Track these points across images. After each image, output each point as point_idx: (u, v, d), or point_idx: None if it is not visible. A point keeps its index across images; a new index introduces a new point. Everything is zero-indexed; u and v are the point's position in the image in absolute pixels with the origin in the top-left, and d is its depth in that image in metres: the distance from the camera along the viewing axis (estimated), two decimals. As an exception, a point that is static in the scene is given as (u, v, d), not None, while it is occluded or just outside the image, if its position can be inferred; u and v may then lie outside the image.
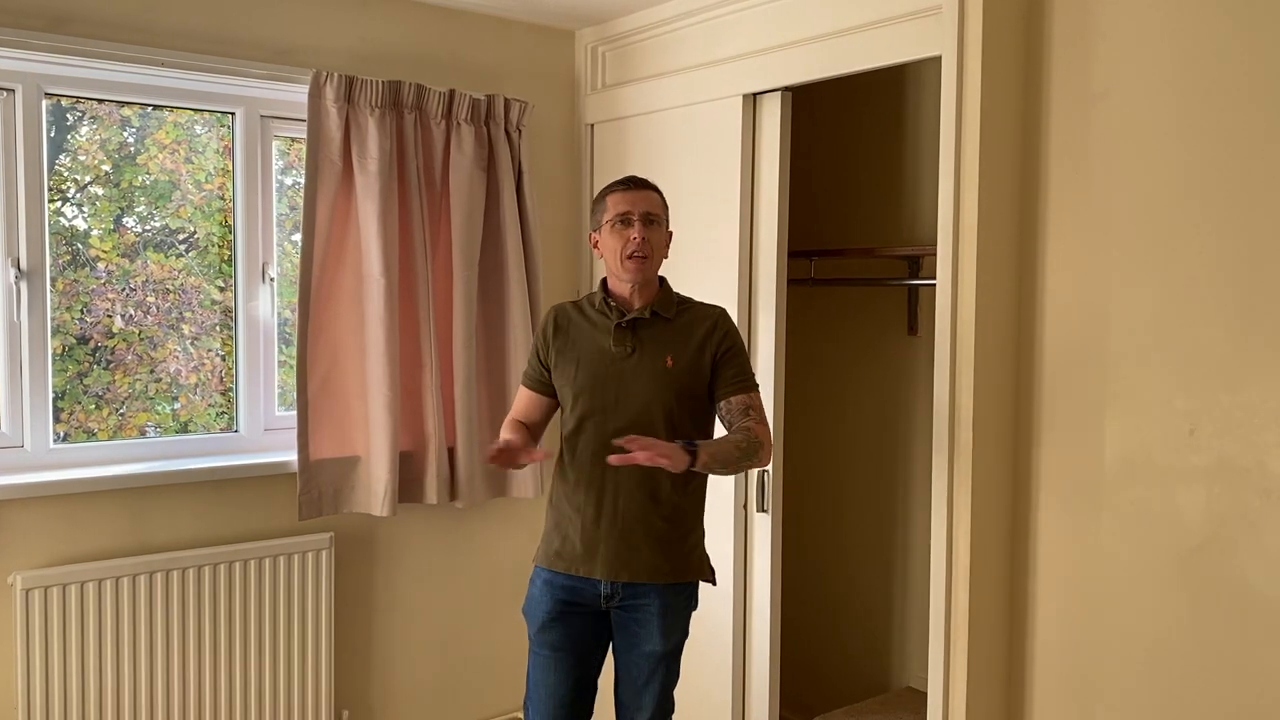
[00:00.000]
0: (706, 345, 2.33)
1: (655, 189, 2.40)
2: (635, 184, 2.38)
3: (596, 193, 2.42)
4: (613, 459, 2.09)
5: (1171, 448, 2.23)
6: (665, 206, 2.40)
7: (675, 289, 2.44)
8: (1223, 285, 2.15)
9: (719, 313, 2.40)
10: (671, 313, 2.36)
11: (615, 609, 2.36)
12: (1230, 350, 2.14)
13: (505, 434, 2.39)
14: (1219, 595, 2.17)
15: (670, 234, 2.42)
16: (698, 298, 2.44)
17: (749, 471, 2.98)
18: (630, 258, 2.31)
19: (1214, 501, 2.17)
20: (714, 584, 2.46)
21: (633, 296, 2.35)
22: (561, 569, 2.36)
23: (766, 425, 2.33)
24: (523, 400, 2.50)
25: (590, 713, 2.45)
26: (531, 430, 2.46)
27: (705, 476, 2.38)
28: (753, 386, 2.35)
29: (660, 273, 2.42)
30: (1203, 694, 2.20)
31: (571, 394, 2.36)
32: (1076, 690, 2.40)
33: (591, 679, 2.43)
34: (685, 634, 2.40)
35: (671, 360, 2.31)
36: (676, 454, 2.09)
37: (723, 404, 2.33)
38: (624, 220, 2.32)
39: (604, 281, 2.41)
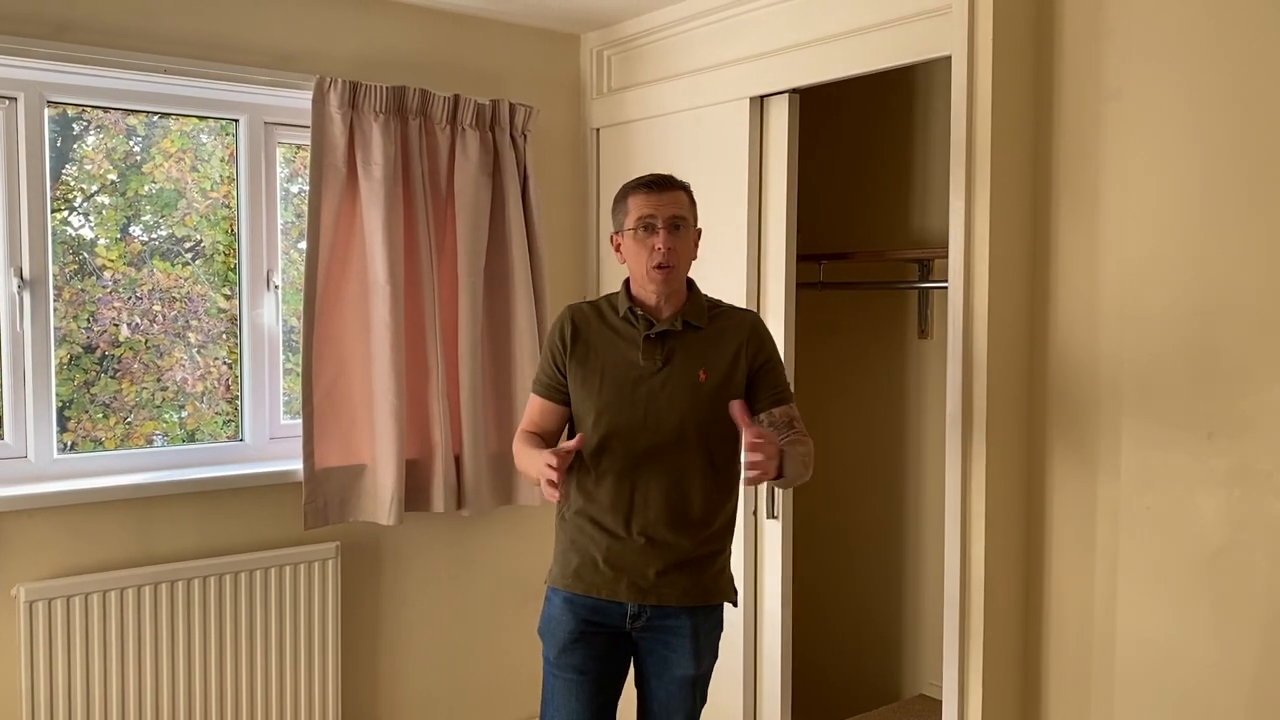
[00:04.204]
0: (741, 357, 2.19)
1: (682, 186, 2.21)
2: (659, 185, 2.18)
3: (619, 189, 2.25)
4: (746, 482, 2.01)
5: (1190, 451, 2.19)
6: (693, 204, 2.23)
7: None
8: (1240, 285, 2.11)
9: (753, 320, 2.26)
10: (703, 321, 2.21)
11: (640, 631, 2.22)
12: (1249, 352, 2.10)
13: (521, 444, 2.23)
14: (1239, 601, 2.12)
15: (699, 232, 2.25)
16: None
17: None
18: (657, 268, 2.14)
19: (1234, 505, 2.13)
20: (735, 605, 2.32)
21: (661, 305, 2.19)
22: (582, 590, 2.21)
23: (808, 435, 2.21)
24: (535, 410, 2.30)
25: None
26: (546, 441, 2.27)
27: (737, 497, 2.28)
28: (790, 396, 2.23)
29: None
30: (1222, 701, 2.16)
31: (594, 409, 2.19)
32: (1094, 697, 2.36)
33: (613, 705, 2.28)
34: (715, 657, 2.29)
35: (705, 374, 2.16)
36: (775, 459, 1.97)
37: (764, 416, 2.19)
38: (647, 227, 2.15)
39: (626, 284, 2.24)
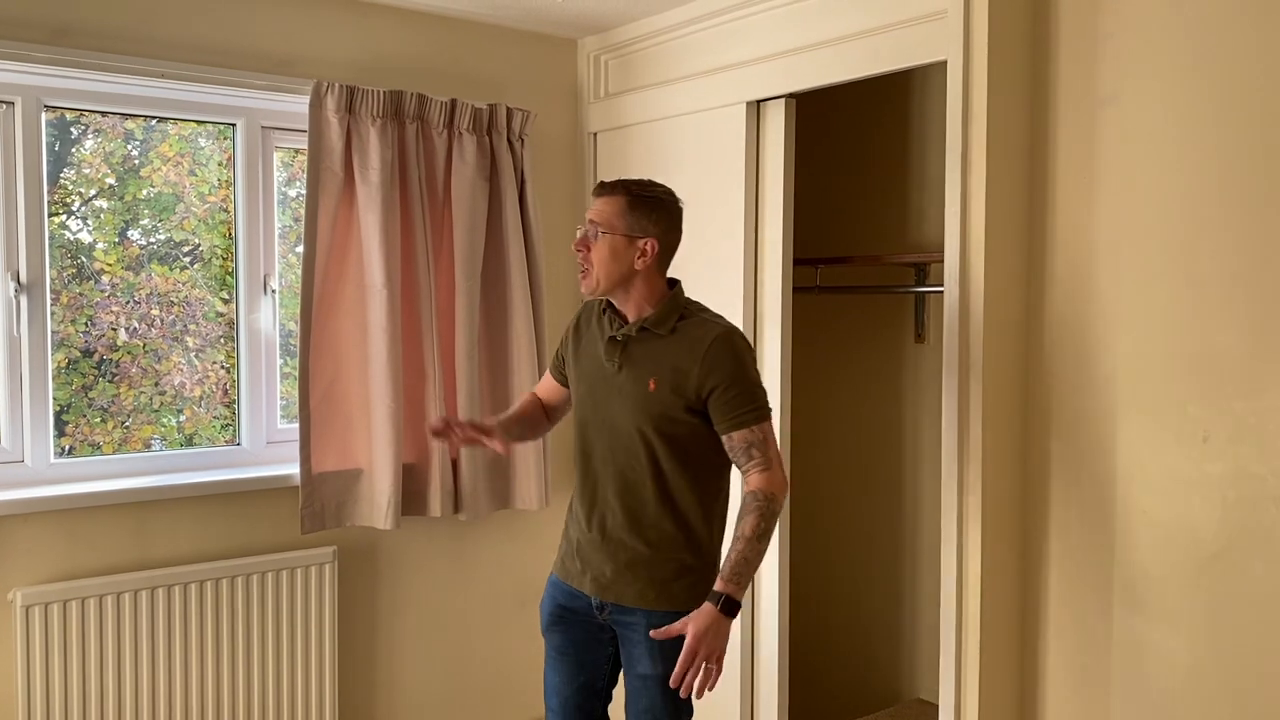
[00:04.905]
0: (692, 374, 2.12)
1: (624, 190, 2.16)
2: (597, 189, 2.21)
3: None
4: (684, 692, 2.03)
5: (1185, 455, 2.19)
6: (633, 210, 2.15)
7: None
8: (1236, 290, 2.11)
9: (715, 337, 2.14)
10: (666, 329, 2.17)
11: (611, 623, 2.27)
12: (1244, 356, 2.10)
13: (511, 412, 2.42)
14: (1235, 605, 2.12)
15: (650, 240, 2.15)
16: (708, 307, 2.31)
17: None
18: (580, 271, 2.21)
19: (1229, 510, 2.13)
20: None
21: (627, 308, 2.21)
22: (561, 576, 2.34)
23: (771, 461, 2.12)
24: (546, 381, 2.50)
25: (601, 717, 2.39)
26: (548, 411, 2.48)
27: (702, 510, 2.21)
28: (752, 420, 2.12)
29: (676, 276, 2.25)
30: (1220, 705, 2.15)
31: (575, 401, 2.33)
32: (1091, 702, 2.36)
33: (597, 686, 2.35)
34: None
35: (654, 383, 2.14)
36: (715, 633, 2.02)
37: (724, 439, 2.15)
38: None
39: None
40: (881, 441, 3.57)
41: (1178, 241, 2.19)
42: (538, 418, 2.46)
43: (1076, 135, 2.35)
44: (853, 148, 3.62)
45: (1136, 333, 2.26)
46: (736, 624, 2.96)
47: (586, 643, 2.33)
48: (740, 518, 2.10)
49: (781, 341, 2.91)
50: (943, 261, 2.45)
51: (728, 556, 2.09)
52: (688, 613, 2.14)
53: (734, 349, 2.15)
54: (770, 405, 2.18)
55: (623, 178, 2.24)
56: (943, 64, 2.41)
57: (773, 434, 2.16)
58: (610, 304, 2.24)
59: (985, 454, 2.37)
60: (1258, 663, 2.10)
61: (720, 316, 2.25)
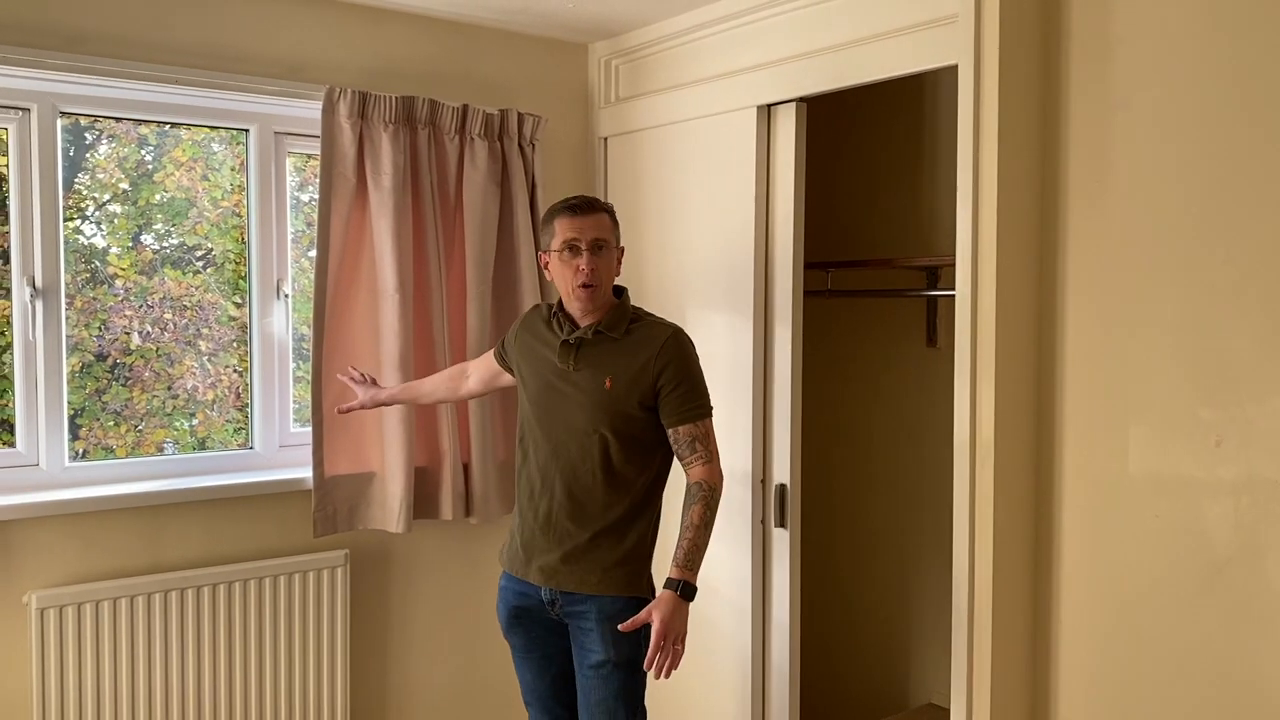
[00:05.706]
0: (647, 370, 2.29)
1: (604, 208, 2.37)
2: (582, 208, 2.33)
3: (547, 210, 2.43)
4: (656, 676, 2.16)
5: (1198, 459, 2.18)
6: (616, 225, 2.39)
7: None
8: (1248, 294, 2.10)
9: (667, 335, 2.33)
10: (619, 332, 2.34)
11: (562, 618, 2.37)
12: (1257, 360, 2.09)
13: (430, 378, 2.83)
14: (1249, 609, 2.12)
15: (622, 250, 2.42)
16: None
17: (767, 486, 2.96)
18: (582, 287, 2.30)
19: (1242, 513, 2.12)
20: (649, 598, 2.35)
21: (582, 314, 2.35)
22: (509, 568, 2.46)
23: (712, 454, 2.29)
24: (485, 359, 2.69)
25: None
26: (474, 384, 2.71)
27: (644, 500, 2.35)
28: (697, 415, 2.30)
29: (623, 284, 2.42)
30: (1233, 709, 2.15)
31: (524, 399, 2.43)
32: (1103, 706, 2.35)
33: (569, 676, 2.43)
34: (637, 650, 2.28)
35: (610, 382, 2.29)
36: (679, 617, 2.16)
37: (670, 432, 2.31)
38: (572, 249, 2.30)
39: None
40: (893, 446, 3.56)
41: (1189, 244, 2.19)
42: (445, 392, 2.79)
43: (1088, 140, 2.34)
44: (864, 151, 3.62)
45: (1148, 336, 2.25)
46: (747, 626, 2.97)
47: (547, 636, 2.43)
48: (687, 506, 2.26)
49: (792, 345, 2.91)
50: (954, 265, 2.45)
51: (679, 544, 2.22)
52: (630, 597, 2.32)
53: (684, 348, 2.35)
54: (712, 404, 2.36)
55: (583, 197, 2.38)
56: (954, 68, 2.41)
57: (713, 430, 2.34)
58: (560, 309, 2.39)
59: (997, 458, 2.36)
60: (1273, 668, 2.09)
61: (664, 319, 2.42)
